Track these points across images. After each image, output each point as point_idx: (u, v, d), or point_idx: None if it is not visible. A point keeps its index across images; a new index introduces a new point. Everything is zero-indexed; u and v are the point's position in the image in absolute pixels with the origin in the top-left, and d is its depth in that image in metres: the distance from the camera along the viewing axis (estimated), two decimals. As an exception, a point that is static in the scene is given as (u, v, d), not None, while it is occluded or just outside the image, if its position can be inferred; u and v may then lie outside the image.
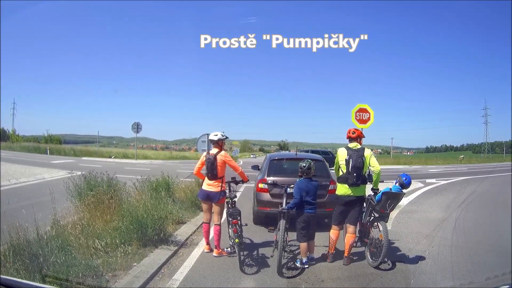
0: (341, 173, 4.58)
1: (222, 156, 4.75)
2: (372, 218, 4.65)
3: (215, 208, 4.81)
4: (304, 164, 4.43)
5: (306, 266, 4.30)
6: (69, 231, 4.47)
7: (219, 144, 4.86)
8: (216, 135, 4.85)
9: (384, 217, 4.50)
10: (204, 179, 4.87)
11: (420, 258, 4.67)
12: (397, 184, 4.54)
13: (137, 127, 28.56)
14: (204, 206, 4.91)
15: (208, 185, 4.76)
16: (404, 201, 9.20)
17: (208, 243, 4.90)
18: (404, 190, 4.59)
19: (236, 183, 5.00)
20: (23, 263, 3.32)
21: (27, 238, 3.63)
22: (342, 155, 4.56)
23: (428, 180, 15.02)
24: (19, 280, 2.34)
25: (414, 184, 13.33)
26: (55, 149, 33.11)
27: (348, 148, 4.58)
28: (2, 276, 2.03)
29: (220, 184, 4.73)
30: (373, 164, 4.52)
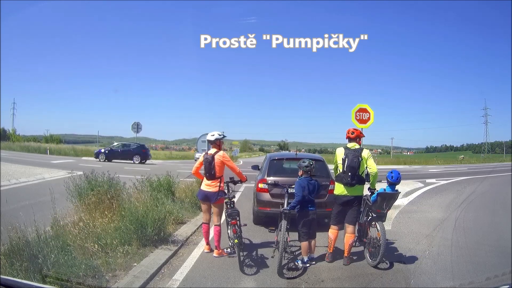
0: (338, 173, 4.61)
1: (220, 156, 4.74)
2: (369, 218, 4.66)
3: (214, 209, 4.81)
4: (305, 163, 4.45)
5: (307, 265, 4.31)
6: (69, 231, 4.47)
7: (217, 144, 4.86)
8: (213, 135, 4.84)
9: (381, 217, 4.51)
10: (203, 179, 4.88)
11: (420, 258, 4.67)
12: (388, 185, 4.54)
13: (137, 127, 28.50)
14: (203, 206, 4.91)
15: (206, 185, 4.75)
16: (404, 201, 9.21)
17: (208, 243, 4.90)
18: (399, 188, 4.60)
19: (235, 183, 5.00)
20: (23, 263, 3.31)
21: (27, 238, 3.63)
22: (339, 155, 4.60)
23: (428, 180, 15.02)
24: (19, 280, 2.34)
25: (414, 184, 13.33)
26: (55, 149, 33.05)
27: (346, 148, 4.61)
28: (2, 276, 2.03)
29: (218, 184, 4.72)
30: (370, 165, 4.52)
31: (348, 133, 4.70)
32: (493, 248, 5.26)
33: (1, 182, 10.17)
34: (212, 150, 4.82)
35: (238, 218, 4.53)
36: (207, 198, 4.75)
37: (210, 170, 4.70)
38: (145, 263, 4.17)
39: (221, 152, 4.81)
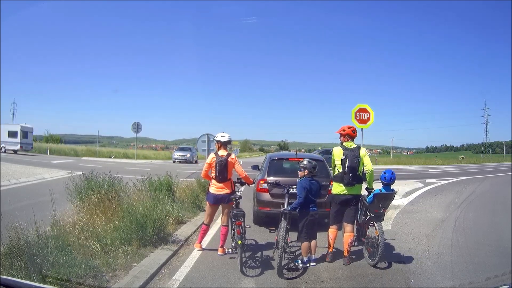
0: (336, 172, 4.60)
1: (232, 159, 4.82)
2: (367, 217, 4.65)
3: (224, 210, 4.85)
4: (310, 163, 4.43)
5: (307, 265, 4.30)
6: (69, 231, 4.47)
7: (226, 145, 4.90)
8: (223, 136, 4.89)
9: (379, 217, 4.50)
10: (211, 181, 4.88)
11: (420, 258, 4.67)
12: (382, 186, 4.54)
13: (137, 127, 28.52)
14: (210, 209, 4.92)
15: (218, 188, 4.78)
16: (404, 201, 9.20)
17: (200, 242, 4.95)
18: (399, 188, 4.59)
19: (242, 184, 5.07)
20: (23, 263, 3.31)
21: (27, 238, 3.63)
22: (338, 155, 4.58)
23: (428, 180, 15.02)
24: (19, 280, 2.34)
25: (414, 184, 13.34)
26: (55, 149, 33.07)
27: (344, 148, 4.58)
28: (2, 276, 2.03)
29: (230, 185, 4.81)
30: (366, 164, 4.55)
31: (349, 131, 4.65)
32: (493, 248, 5.25)
33: (1, 182, 10.17)
34: (223, 152, 4.84)
35: (243, 219, 4.53)
36: (219, 200, 4.79)
37: (224, 172, 4.75)
38: (145, 263, 4.17)
39: (233, 155, 4.88)
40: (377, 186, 4.62)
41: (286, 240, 4.25)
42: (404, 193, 10.67)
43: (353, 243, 4.62)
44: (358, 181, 4.53)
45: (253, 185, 5.81)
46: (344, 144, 4.63)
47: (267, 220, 6.05)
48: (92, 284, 3.38)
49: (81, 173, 6.44)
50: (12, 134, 26.54)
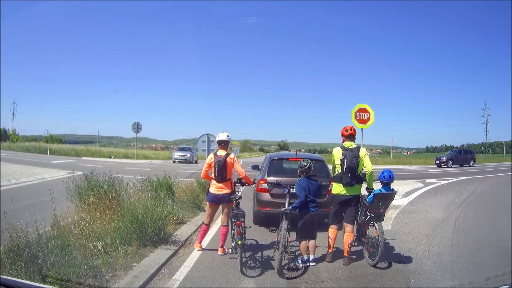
0: (336, 173, 4.61)
1: (231, 159, 4.83)
2: (367, 217, 4.66)
3: (224, 209, 4.85)
4: (304, 163, 4.45)
5: (307, 264, 4.31)
6: (69, 231, 4.47)
7: (227, 145, 4.91)
8: (228, 135, 4.91)
9: (379, 217, 4.51)
10: (211, 181, 4.88)
11: (420, 258, 4.67)
12: (382, 185, 4.54)
13: (137, 127, 28.52)
14: (210, 209, 4.93)
15: (218, 188, 4.79)
16: (404, 201, 9.20)
17: (200, 242, 4.96)
18: (399, 188, 4.60)
19: (242, 184, 5.08)
20: (23, 263, 3.31)
21: (27, 238, 3.63)
22: (337, 155, 4.60)
23: (428, 180, 15.01)
24: (19, 280, 2.34)
25: (414, 184, 13.34)
26: (55, 149, 33.06)
27: (343, 148, 4.60)
28: (2, 276, 2.03)
29: (230, 185, 4.81)
30: (366, 164, 4.55)
31: (350, 131, 4.68)
32: (493, 248, 5.25)
33: (1, 182, 10.17)
34: (222, 152, 4.85)
35: (243, 220, 4.53)
36: (219, 200, 4.80)
37: (222, 172, 4.75)
38: (145, 263, 4.17)
39: (232, 155, 4.88)
40: (377, 186, 4.62)
41: (286, 240, 4.25)
42: (404, 193, 10.67)
43: (353, 243, 4.62)
44: (358, 181, 4.53)
45: (253, 185, 5.82)
46: (344, 144, 4.65)
47: (267, 220, 6.05)
48: (92, 284, 3.38)
49: (81, 173, 6.44)
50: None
